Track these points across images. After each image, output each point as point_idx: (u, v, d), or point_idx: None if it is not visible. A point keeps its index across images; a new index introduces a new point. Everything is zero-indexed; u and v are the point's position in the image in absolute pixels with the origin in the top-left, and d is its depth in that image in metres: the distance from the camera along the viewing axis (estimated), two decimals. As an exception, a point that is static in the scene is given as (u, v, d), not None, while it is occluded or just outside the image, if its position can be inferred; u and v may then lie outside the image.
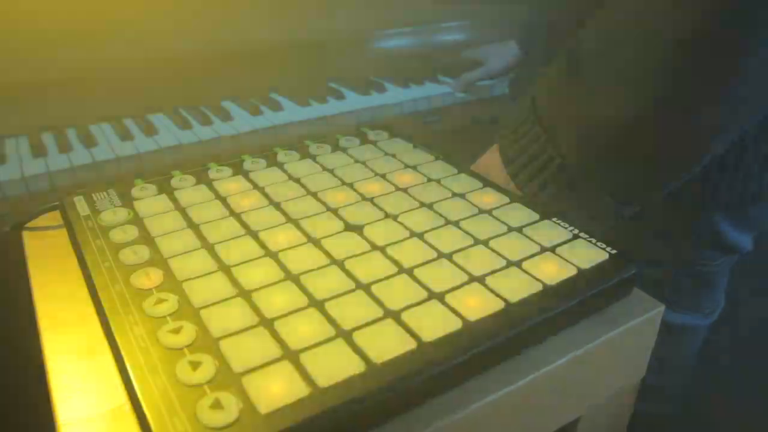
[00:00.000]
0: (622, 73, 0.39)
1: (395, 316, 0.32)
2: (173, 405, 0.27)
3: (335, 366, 0.29)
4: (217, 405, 0.27)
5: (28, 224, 0.46)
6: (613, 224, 0.45)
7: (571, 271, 0.36)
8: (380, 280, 0.35)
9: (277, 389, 0.27)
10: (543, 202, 0.44)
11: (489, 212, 0.42)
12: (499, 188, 0.45)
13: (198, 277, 0.35)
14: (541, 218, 0.42)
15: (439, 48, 1.20)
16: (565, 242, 0.39)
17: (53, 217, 0.46)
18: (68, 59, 0.91)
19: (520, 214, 0.42)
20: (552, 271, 0.36)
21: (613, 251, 0.38)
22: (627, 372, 0.40)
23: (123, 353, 0.30)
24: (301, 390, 0.27)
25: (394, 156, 0.51)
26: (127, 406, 0.29)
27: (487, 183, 0.46)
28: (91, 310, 0.36)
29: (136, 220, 0.41)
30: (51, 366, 0.33)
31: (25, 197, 0.75)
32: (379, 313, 0.32)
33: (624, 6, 0.40)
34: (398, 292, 0.34)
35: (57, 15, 0.89)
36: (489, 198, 0.44)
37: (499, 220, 0.41)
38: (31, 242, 0.44)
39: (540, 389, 0.34)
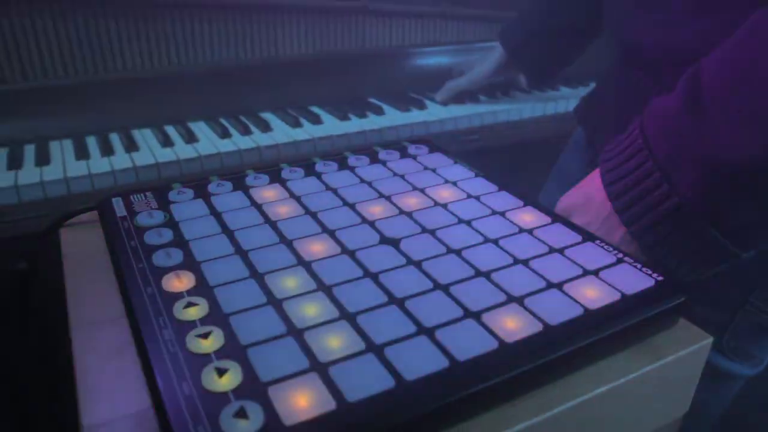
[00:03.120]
0: (756, 114, 0.37)
1: (428, 333, 0.31)
2: (197, 412, 0.26)
3: (365, 381, 0.28)
4: (241, 414, 0.26)
5: (66, 222, 0.47)
6: (718, 270, 0.43)
7: (614, 297, 0.35)
8: (415, 296, 0.34)
9: (303, 402, 0.27)
10: (648, 243, 0.43)
11: (530, 231, 0.41)
12: (541, 207, 0.44)
13: (230, 282, 0.35)
14: (584, 240, 0.40)
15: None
16: (609, 266, 0.37)
17: (91, 217, 0.47)
18: (113, 65, 0.93)
19: (562, 235, 0.41)
20: (594, 295, 0.35)
21: (660, 278, 0.36)
22: (670, 407, 0.38)
23: (150, 356, 0.30)
24: (329, 404, 0.26)
25: (434, 171, 0.50)
26: (152, 411, 0.28)
27: (528, 202, 0.45)
28: (122, 310, 0.36)
29: (172, 223, 0.41)
30: (79, 366, 0.33)
31: (66, 198, 0.76)
32: (412, 329, 0.31)
33: (760, 41, 0.37)
34: (433, 309, 0.33)
35: (103, 22, 0.91)
36: (529, 217, 0.43)
37: (539, 240, 0.40)
38: (67, 240, 0.45)
39: (576, 419, 0.32)
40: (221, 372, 0.28)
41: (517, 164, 1.08)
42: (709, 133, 0.38)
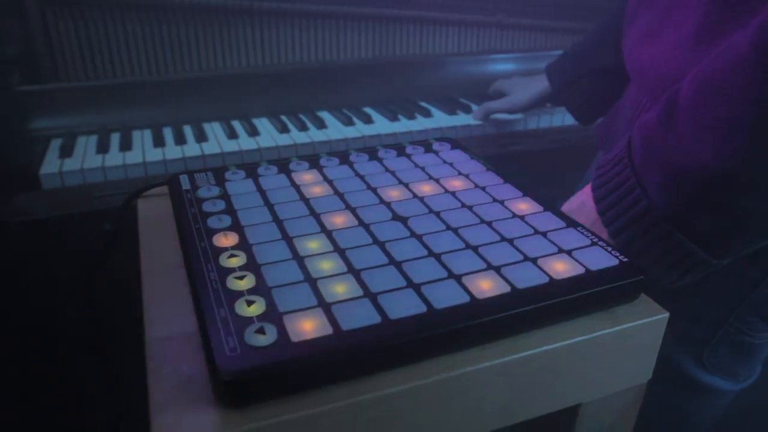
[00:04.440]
0: (713, 127, 0.42)
1: (415, 287, 0.39)
2: (230, 329, 0.35)
3: (358, 316, 0.36)
4: (261, 331, 0.34)
5: (142, 194, 0.57)
6: (696, 277, 0.48)
7: (579, 270, 0.41)
8: (411, 260, 0.42)
9: (308, 327, 0.35)
10: (624, 244, 0.48)
11: (522, 217, 0.48)
12: (537, 198, 0.51)
13: (265, 242, 0.44)
14: (568, 226, 0.47)
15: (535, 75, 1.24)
16: (582, 247, 0.44)
17: (161, 191, 0.57)
18: (189, 66, 1.05)
19: (549, 221, 0.47)
20: (562, 268, 0.41)
21: (625, 259, 0.43)
22: (629, 372, 0.44)
23: (199, 291, 0.39)
24: (327, 330, 0.35)
25: (451, 164, 0.58)
26: (198, 331, 0.37)
27: (527, 192, 0.52)
28: (181, 260, 0.45)
29: (225, 196, 0.50)
30: (146, 299, 0.42)
31: (143, 179, 0.87)
32: (403, 283, 0.39)
33: (721, 61, 0.42)
34: (423, 271, 0.40)
35: (183, 27, 1.03)
36: (525, 205, 0.50)
37: (528, 224, 0.47)
38: (142, 208, 0.55)
39: (535, 367, 0.39)
40: (250, 303, 0.37)
41: (558, 168, 1.13)
42: (675, 142, 0.44)
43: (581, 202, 0.53)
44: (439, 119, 1.08)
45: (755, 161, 0.41)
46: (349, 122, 1.04)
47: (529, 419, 0.42)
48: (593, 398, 0.44)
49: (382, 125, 1.04)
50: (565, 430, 0.47)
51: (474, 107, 1.14)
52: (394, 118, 1.07)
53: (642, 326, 0.42)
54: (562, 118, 1.13)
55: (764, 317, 0.60)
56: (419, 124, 1.05)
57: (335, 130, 1.01)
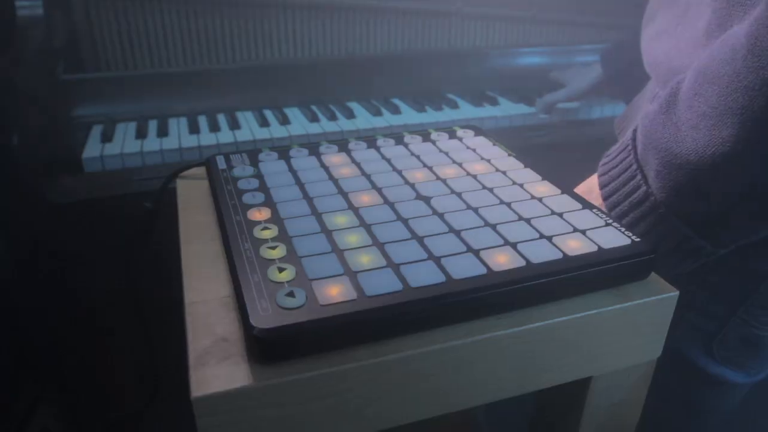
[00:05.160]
0: (705, 114, 0.43)
1: (436, 260, 0.41)
2: (262, 292, 0.38)
3: (381, 284, 0.38)
4: (291, 294, 0.37)
5: (180, 174, 0.60)
6: (696, 263, 0.49)
7: (592, 248, 0.43)
8: (432, 235, 0.44)
9: (334, 292, 0.38)
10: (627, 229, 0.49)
11: (539, 199, 0.50)
12: (555, 182, 0.53)
13: (296, 217, 0.47)
14: (583, 208, 0.49)
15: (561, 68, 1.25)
16: (596, 227, 0.46)
17: (198, 171, 0.60)
18: (224, 57, 1.09)
19: (566, 203, 0.50)
20: (575, 246, 0.44)
21: (637, 239, 0.45)
22: (639, 348, 0.46)
23: (234, 259, 0.42)
24: (351, 294, 0.37)
25: (474, 150, 0.60)
26: (233, 295, 0.40)
27: (545, 176, 0.54)
28: (217, 232, 0.48)
29: (259, 176, 0.54)
30: (185, 267, 0.45)
31: (179, 164, 0.91)
32: (424, 256, 0.42)
33: (718, 51, 0.43)
34: (443, 245, 0.43)
35: (219, 20, 1.06)
36: (543, 188, 0.52)
37: (545, 205, 0.49)
38: (181, 187, 0.58)
39: (547, 338, 0.41)
40: (281, 269, 0.40)
41: (582, 160, 1.14)
42: (672, 129, 0.46)
43: (588, 189, 0.55)
44: (466, 111, 1.10)
45: (744, 149, 0.42)
46: (377, 113, 1.06)
47: (541, 390, 0.44)
48: (603, 372, 0.46)
49: (409, 116, 1.06)
50: (576, 405, 0.49)
51: (500, 99, 1.15)
52: (421, 110, 1.09)
53: (652, 303, 0.44)
54: (587, 111, 1.14)
55: None
56: (446, 115, 1.08)
57: (363, 120, 1.04)
